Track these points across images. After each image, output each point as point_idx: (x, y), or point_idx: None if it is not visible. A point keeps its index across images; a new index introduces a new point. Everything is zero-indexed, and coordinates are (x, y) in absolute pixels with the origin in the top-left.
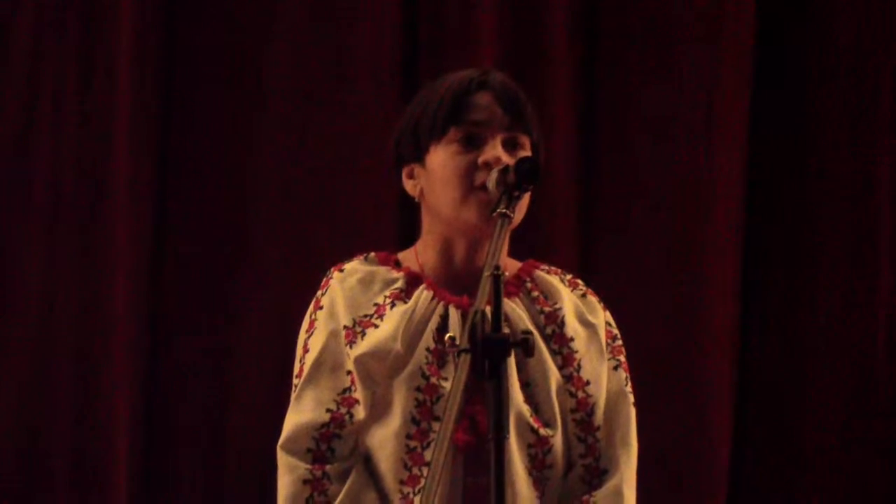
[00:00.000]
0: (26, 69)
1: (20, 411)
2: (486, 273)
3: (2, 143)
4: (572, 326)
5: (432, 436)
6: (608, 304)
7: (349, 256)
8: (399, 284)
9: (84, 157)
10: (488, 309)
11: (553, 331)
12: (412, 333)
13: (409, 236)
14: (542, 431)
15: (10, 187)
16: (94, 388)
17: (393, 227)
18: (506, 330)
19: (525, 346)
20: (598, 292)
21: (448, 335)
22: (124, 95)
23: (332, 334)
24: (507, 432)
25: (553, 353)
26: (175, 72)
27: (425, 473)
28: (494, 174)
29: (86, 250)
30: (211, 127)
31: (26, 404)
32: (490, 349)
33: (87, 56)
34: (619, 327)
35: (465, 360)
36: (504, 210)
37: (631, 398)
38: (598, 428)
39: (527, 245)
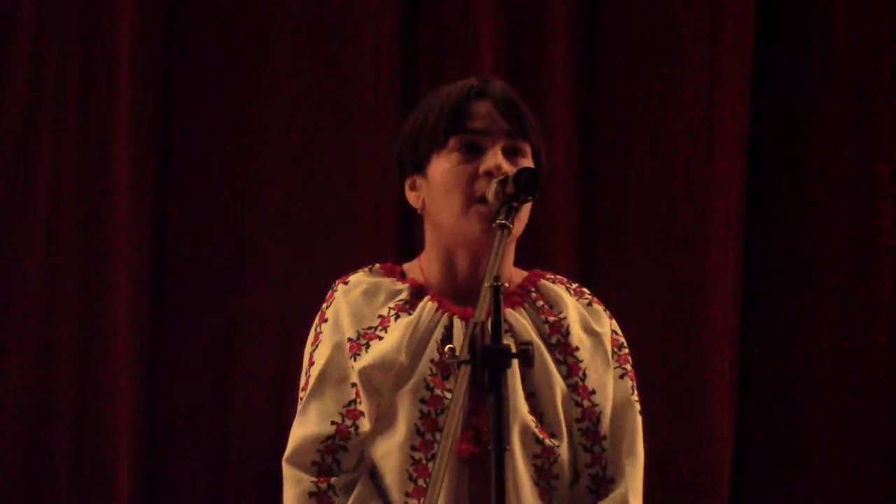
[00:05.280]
0: (27, 71)
1: (22, 411)
2: (486, 284)
3: (3, 145)
4: (577, 335)
5: (437, 447)
6: (608, 307)
7: (350, 259)
8: (403, 296)
9: (85, 159)
10: (489, 320)
11: (558, 340)
12: (416, 345)
13: (409, 236)
14: (548, 442)
15: (11, 189)
16: (95, 388)
17: (394, 227)
18: (509, 341)
19: (524, 357)
20: (597, 296)
21: (448, 346)
22: (125, 97)
23: (337, 347)
24: (508, 444)
25: (558, 362)
26: (176, 74)
27: None
28: (494, 185)
29: (87, 252)
30: (211, 129)
31: (28, 404)
32: (490, 360)
33: (88, 57)
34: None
35: (466, 371)
36: (503, 221)
37: (637, 407)
38: (605, 437)
39: (527, 249)
